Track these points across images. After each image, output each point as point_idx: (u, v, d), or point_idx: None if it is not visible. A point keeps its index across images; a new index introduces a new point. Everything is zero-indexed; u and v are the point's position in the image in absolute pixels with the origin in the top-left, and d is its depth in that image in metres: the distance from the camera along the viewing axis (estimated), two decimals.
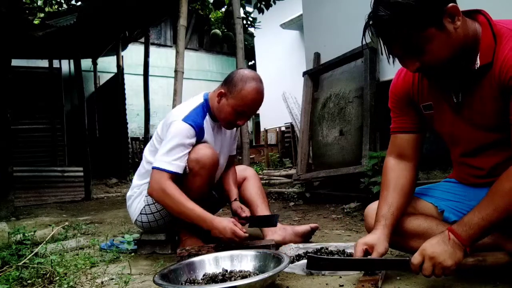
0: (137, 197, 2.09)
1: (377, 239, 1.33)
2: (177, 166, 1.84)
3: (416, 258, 1.18)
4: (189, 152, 1.88)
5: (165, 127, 1.97)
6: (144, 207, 2.03)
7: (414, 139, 1.44)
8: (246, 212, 2.00)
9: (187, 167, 1.88)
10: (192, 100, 2.05)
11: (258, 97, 1.91)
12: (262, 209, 2.10)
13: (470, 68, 1.19)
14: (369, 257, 1.31)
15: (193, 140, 1.90)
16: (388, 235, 1.34)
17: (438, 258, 1.14)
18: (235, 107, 1.90)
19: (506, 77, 1.11)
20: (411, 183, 1.43)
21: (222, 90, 1.94)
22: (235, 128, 2.20)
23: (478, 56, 1.17)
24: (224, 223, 1.76)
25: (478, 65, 1.17)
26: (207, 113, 2.00)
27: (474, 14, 1.22)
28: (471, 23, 1.19)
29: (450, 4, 1.09)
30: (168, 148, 1.85)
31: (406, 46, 1.14)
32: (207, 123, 1.99)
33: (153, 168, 1.86)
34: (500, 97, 1.16)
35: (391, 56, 1.20)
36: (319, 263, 1.32)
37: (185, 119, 1.89)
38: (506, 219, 1.14)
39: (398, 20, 1.09)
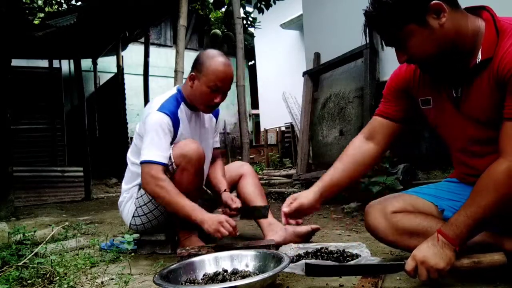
0: (127, 201, 2.10)
1: (303, 193, 1.48)
2: (165, 157, 1.87)
3: (409, 264, 1.19)
4: (174, 148, 1.90)
5: (142, 123, 2.00)
6: (136, 210, 2.03)
7: (391, 127, 1.49)
8: (237, 203, 1.98)
9: (174, 164, 1.88)
10: (165, 94, 2.08)
11: (228, 69, 1.92)
12: None
13: (468, 63, 1.21)
14: (288, 209, 1.46)
15: (171, 128, 1.92)
16: (316, 192, 1.46)
17: (429, 261, 1.14)
18: (208, 83, 1.91)
19: (503, 71, 1.13)
20: (366, 164, 1.51)
21: (193, 73, 1.96)
22: (215, 120, 2.22)
23: (480, 51, 1.18)
24: (214, 215, 1.78)
25: (480, 59, 1.18)
26: (182, 102, 2.02)
27: (478, 10, 1.24)
28: (473, 19, 1.21)
29: (434, 1, 1.12)
30: (151, 140, 1.87)
31: (392, 41, 1.22)
32: (182, 112, 2.01)
33: (143, 162, 1.86)
34: (498, 92, 1.17)
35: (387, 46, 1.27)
36: (316, 269, 1.33)
37: (160, 109, 1.93)
38: (493, 216, 1.15)
39: (380, 17, 1.18)
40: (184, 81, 3.55)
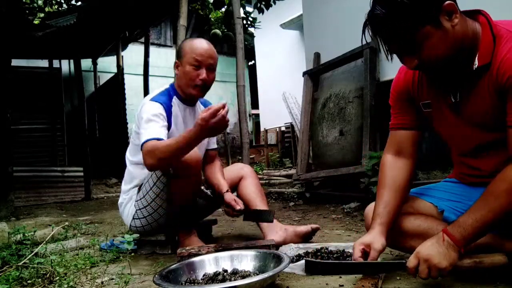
0: (127, 203, 2.10)
1: (373, 237, 1.33)
2: (163, 134, 1.82)
3: (411, 261, 1.18)
4: None
5: (137, 119, 1.99)
6: (136, 212, 2.03)
7: (413, 136, 1.44)
8: (240, 205, 1.96)
9: (171, 169, 1.84)
10: (158, 89, 2.11)
11: (204, 44, 1.99)
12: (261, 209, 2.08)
13: (468, 68, 1.20)
14: (368, 260, 1.31)
15: (165, 115, 1.92)
16: (384, 232, 1.34)
17: (433, 260, 1.14)
18: (189, 61, 1.96)
19: (503, 78, 1.12)
20: (408, 181, 1.43)
21: (176, 61, 2.03)
22: None
23: (477, 57, 1.17)
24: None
25: (477, 65, 1.17)
26: (174, 96, 2.05)
27: (474, 14, 1.23)
28: (471, 23, 1.19)
29: (447, 2, 1.10)
30: (148, 125, 1.84)
31: (403, 44, 1.15)
32: (175, 105, 2.03)
33: (142, 144, 1.78)
34: (497, 98, 1.16)
35: (389, 53, 1.20)
36: (316, 267, 1.32)
37: (153, 99, 1.97)
38: (501, 220, 1.14)
39: (393, 18, 1.11)
40: None
